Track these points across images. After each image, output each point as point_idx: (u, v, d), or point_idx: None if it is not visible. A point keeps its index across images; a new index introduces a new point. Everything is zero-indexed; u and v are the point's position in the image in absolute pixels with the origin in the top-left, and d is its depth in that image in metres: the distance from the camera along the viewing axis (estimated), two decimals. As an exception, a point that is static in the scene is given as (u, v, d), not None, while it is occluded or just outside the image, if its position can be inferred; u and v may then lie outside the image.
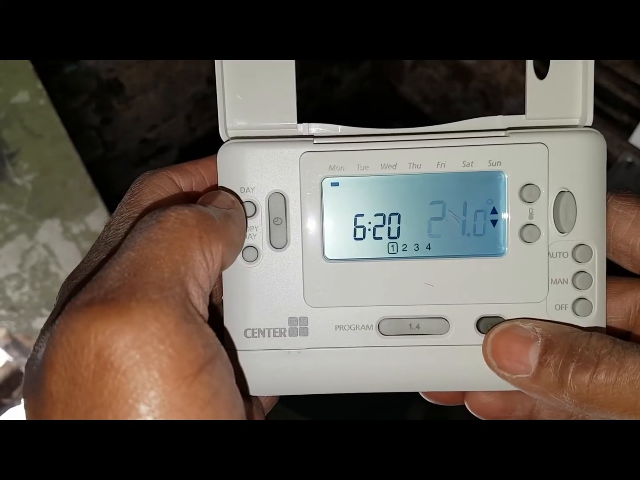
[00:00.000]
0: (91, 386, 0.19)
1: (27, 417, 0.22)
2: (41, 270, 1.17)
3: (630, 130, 1.32)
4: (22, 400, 0.23)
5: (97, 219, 1.21)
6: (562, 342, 0.27)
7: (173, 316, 0.20)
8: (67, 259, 1.20)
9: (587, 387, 0.25)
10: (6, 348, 1.32)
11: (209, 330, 0.22)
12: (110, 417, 0.19)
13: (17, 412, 1.43)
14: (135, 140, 1.55)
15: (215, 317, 0.30)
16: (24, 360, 1.36)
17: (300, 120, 0.31)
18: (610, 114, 1.37)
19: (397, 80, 2.00)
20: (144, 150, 1.59)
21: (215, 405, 0.21)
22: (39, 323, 1.25)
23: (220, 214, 0.25)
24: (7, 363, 1.45)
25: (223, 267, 0.25)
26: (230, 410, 0.21)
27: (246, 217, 0.29)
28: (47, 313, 1.24)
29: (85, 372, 0.19)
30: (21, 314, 1.20)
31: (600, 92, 1.36)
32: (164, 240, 0.22)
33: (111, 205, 1.24)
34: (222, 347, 0.23)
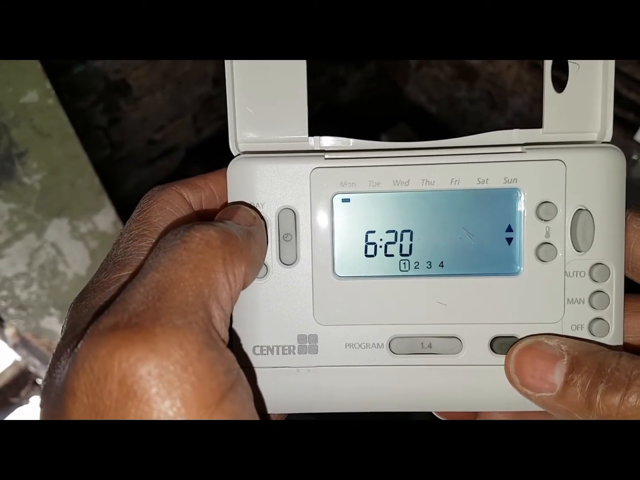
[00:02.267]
0: (113, 414, 0.19)
1: None
2: (49, 269, 1.18)
3: (635, 129, 1.32)
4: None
5: (104, 218, 1.21)
6: (589, 361, 0.26)
7: (196, 343, 0.20)
8: (75, 258, 1.21)
9: (617, 410, 0.24)
10: (15, 347, 1.33)
11: (230, 355, 0.22)
12: None
13: (24, 412, 1.44)
14: (142, 141, 1.55)
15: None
16: (33, 360, 1.36)
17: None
18: (615, 113, 1.37)
19: (403, 80, 1.99)
20: (151, 151, 1.59)
21: None
22: (47, 322, 1.25)
23: (243, 232, 0.25)
24: (15, 362, 1.45)
25: (244, 287, 0.25)
26: None
27: (266, 231, 0.29)
28: (55, 312, 1.25)
29: (107, 400, 0.19)
30: (30, 312, 1.21)
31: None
32: (188, 262, 0.22)
33: (119, 204, 1.24)
34: (241, 372, 0.22)
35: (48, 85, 0.99)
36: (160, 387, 0.19)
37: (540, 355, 0.27)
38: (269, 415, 0.30)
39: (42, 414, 0.22)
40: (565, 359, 0.26)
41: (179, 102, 1.56)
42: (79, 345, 0.20)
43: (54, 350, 0.23)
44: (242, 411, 0.21)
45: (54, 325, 1.27)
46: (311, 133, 0.30)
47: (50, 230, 1.13)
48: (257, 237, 0.26)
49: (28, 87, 0.97)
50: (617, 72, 1.31)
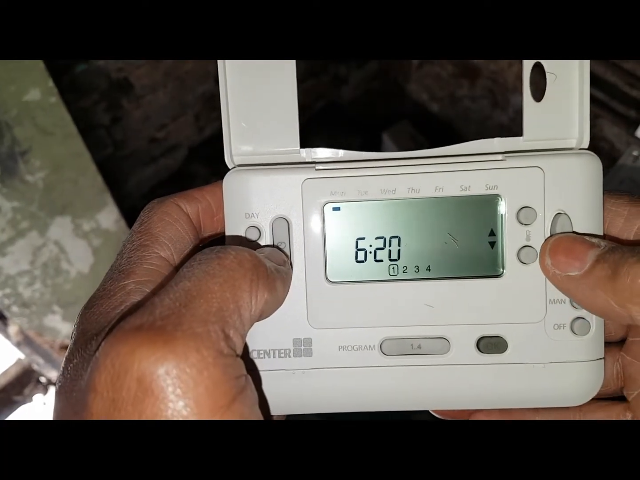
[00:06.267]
0: (131, 409, 0.20)
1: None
2: (52, 267, 1.19)
3: (637, 126, 1.31)
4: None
5: (107, 216, 1.22)
6: (625, 248, 0.26)
7: (212, 350, 0.21)
8: (78, 256, 1.21)
9: None
10: (18, 345, 1.34)
11: (241, 363, 0.23)
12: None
13: (28, 410, 1.45)
14: (145, 139, 1.56)
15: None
16: (36, 358, 1.37)
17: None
18: (617, 110, 1.36)
19: (405, 78, 2.00)
20: (153, 150, 1.60)
21: None
22: (50, 320, 1.26)
23: (272, 266, 0.27)
24: (18, 361, 1.46)
25: (261, 316, 0.26)
26: None
27: (285, 254, 0.30)
28: (58, 310, 1.25)
29: (125, 395, 0.20)
30: (33, 310, 1.22)
31: (607, 88, 1.35)
32: (219, 276, 0.23)
33: (121, 202, 1.25)
34: (249, 377, 0.24)
35: (50, 84, 0.99)
36: (177, 387, 0.20)
37: (579, 241, 0.28)
38: (271, 416, 0.31)
39: (59, 411, 0.23)
40: (602, 247, 0.27)
41: (181, 100, 1.57)
42: (102, 343, 0.22)
43: (66, 354, 0.24)
44: (250, 413, 0.23)
45: (57, 323, 1.28)
46: (303, 145, 0.31)
47: (53, 228, 1.14)
48: (283, 277, 0.28)
49: (31, 85, 0.97)
50: (619, 69, 1.30)
